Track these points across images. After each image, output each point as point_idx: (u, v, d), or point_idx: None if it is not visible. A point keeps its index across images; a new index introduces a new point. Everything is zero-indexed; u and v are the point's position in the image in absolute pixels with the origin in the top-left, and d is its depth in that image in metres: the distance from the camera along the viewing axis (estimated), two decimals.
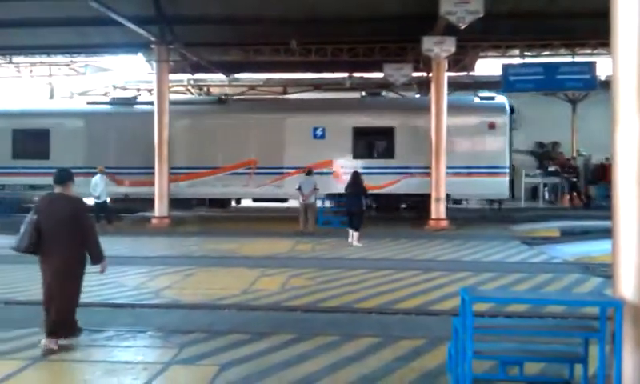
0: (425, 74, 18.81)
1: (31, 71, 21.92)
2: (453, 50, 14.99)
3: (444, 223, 15.79)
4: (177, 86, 22.21)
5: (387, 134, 18.09)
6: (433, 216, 15.82)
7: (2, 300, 7.94)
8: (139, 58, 19.42)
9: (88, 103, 20.87)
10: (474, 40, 16.70)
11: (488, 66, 20.67)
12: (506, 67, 16.73)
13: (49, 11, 16.68)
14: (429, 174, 16.51)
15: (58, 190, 6.06)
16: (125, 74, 23.82)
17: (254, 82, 23.60)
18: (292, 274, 9.68)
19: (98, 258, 6.04)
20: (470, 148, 17.67)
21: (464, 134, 17.65)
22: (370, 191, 16.16)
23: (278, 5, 16.26)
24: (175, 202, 18.00)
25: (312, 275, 9.61)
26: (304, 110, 19.31)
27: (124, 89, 24.31)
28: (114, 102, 20.48)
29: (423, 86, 20.34)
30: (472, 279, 9.20)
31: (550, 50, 18.07)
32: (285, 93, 24.22)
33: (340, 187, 16.10)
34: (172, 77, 18.43)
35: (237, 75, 22.17)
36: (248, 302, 7.90)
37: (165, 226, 16.40)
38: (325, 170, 17.90)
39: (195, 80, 23.15)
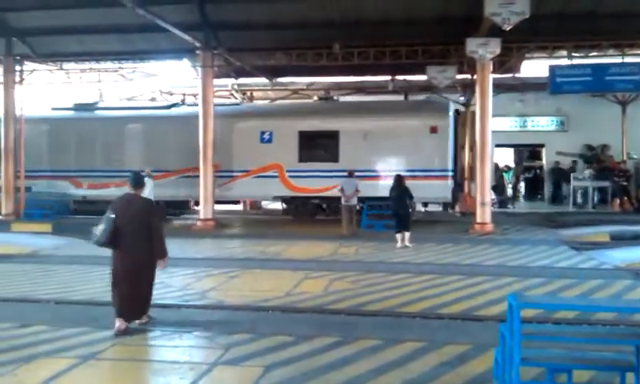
0: (469, 76, 18.58)
1: (81, 77, 22.52)
2: (498, 51, 14.77)
3: (489, 227, 15.53)
4: (221, 90, 22.50)
5: (332, 137, 18.21)
6: (478, 220, 15.59)
7: (54, 299, 8.15)
8: (184, 63, 19.74)
9: (52, 109, 21.65)
10: (520, 41, 16.38)
11: (535, 67, 20.24)
12: (553, 68, 16.39)
13: (97, 19, 17.19)
14: (373, 178, 16.82)
15: (132, 191, 6.86)
16: (170, 80, 24.27)
17: (296, 86, 23.70)
18: (335, 276, 9.68)
19: (161, 254, 6.71)
20: (412, 151, 17.64)
21: (406, 136, 17.74)
22: (316, 194, 17.74)
23: (321, 9, 16.35)
24: None
25: (355, 278, 9.59)
26: (251, 114, 19.79)
27: (170, 94, 24.77)
28: (76, 107, 21.19)
29: (467, 88, 20.08)
30: (518, 285, 9.02)
31: (599, 50, 17.57)
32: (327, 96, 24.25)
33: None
34: (216, 82, 18.68)
35: (280, 79, 22.32)
36: (292, 304, 7.93)
37: (210, 229, 16.62)
38: (271, 173, 18.38)
39: (239, 85, 23.42)
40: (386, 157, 17.70)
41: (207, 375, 5.26)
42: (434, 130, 17.59)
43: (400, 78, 21.69)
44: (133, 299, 6.63)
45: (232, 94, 23.79)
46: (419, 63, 17.60)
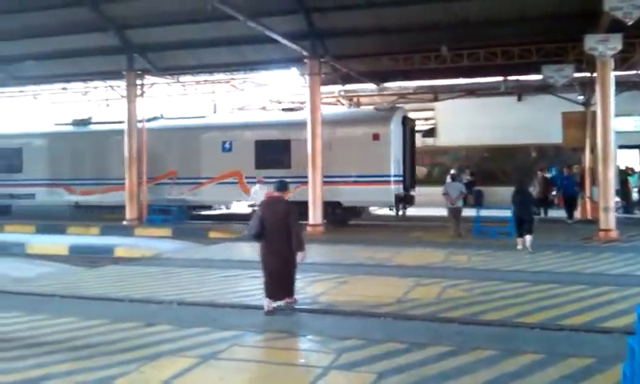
0: (588, 75, 17.58)
1: (196, 89, 23.66)
2: (619, 47, 13.88)
3: (614, 234, 14.57)
4: (328, 97, 22.75)
5: (284, 146, 19.44)
6: (602, 226, 14.66)
7: (175, 300, 8.55)
8: (293, 72, 20.17)
9: (55, 124, 23.80)
10: None
11: None
12: None
13: (210, 33, 17.99)
14: (324, 183, 17.54)
15: (276, 194, 8.12)
16: (280, 89, 24.90)
17: (403, 90, 23.50)
18: (447, 284, 9.45)
19: (300, 247, 7.83)
20: (357, 157, 18.46)
21: (352, 143, 18.68)
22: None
23: (426, 12, 16.15)
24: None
25: (468, 286, 9.31)
26: (215, 127, 21.14)
27: (279, 102, 25.41)
28: (73, 123, 23.32)
29: (587, 86, 19.00)
30: None
31: None
32: (436, 99, 23.87)
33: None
34: (323, 88, 18.93)
35: (386, 84, 22.25)
36: (403, 311, 7.82)
37: (318, 234, 16.83)
38: (231, 180, 19.90)
39: (346, 91, 23.58)
40: (334, 164, 18.32)
41: (322, 379, 5.29)
42: (376, 137, 18.40)
43: (512, 78, 20.93)
44: (278, 283, 7.82)
45: (339, 101, 24.00)
46: (533, 62, 16.91)
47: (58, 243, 15.63)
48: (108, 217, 21.47)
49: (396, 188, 18.42)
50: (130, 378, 5.29)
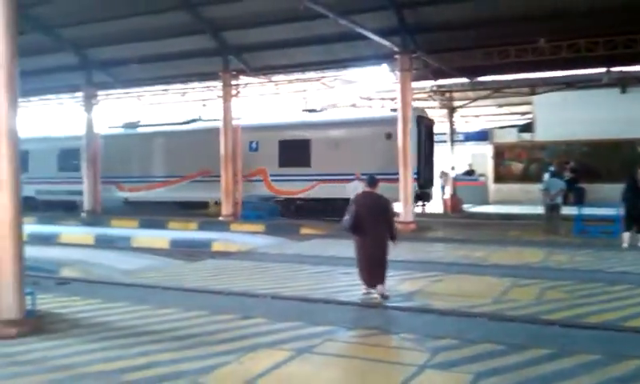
0: None
1: (288, 88, 24.06)
2: None
3: None
4: (419, 93, 22.49)
5: (305, 145, 20.49)
6: None
7: (270, 294, 8.76)
8: (383, 68, 20.08)
9: (108, 127, 25.67)
10: None
11: None
12: None
13: (302, 32, 18.25)
14: (340, 180, 18.74)
15: (368, 189, 8.69)
16: (370, 85, 24.88)
17: (499, 84, 22.82)
18: (547, 285, 9.11)
19: (395, 237, 8.49)
20: (371, 156, 19.16)
21: (367, 143, 19.50)
22: (292, 196, 20.39)
23: (522, 3, 15.59)
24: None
25: (569, 288, 8.93)
26: (244, 128, 21.59)
27: (369, 99, 25.40)
28: (124, 125, 25.49)
29: None
30: None
31: None
32: (533, 93, 23.00)
33: None
34: (414, 84, 18.74)
35: (480, 78, 21.68)
36: (501, 311, 7.61)
37: (409, 231, 16.69)
38: (258, 178, 21.28)
39: (438, 86, 23.21)
40: (350, 162, 19.24)
41: (417, 378, 5.25)
42: (388, 136, 18.97)
43: (616, 69, 19.80)
44: (372, 270, 8.34)
45: (430, 96, 23.66)
46: (639, 52, 15.92)
47: (159, 237, 16.43)
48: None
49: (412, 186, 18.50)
50: (229, 368, 5.49)
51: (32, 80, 21.31)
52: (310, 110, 23.01)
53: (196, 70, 21.55)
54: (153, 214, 22.16)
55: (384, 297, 8.30)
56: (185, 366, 5.52)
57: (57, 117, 30.68)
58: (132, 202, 24.24)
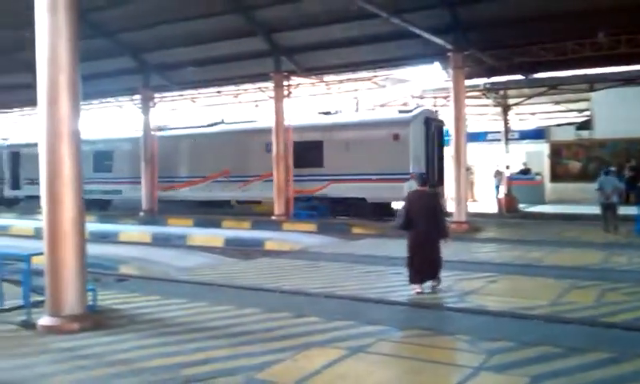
0: None
1: (339, 88, 24.10)
2: None
3: None
4: (472, 91, 22.11)
5: (318, 146, 21.01)
6: None
7: (323, 293, 8.80)
8: (435, 67, 19.86)
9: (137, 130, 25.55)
10: None
11: None
12: None
13: (353, 32, 18.23)
14: (351, 180, 19.56)
15: (419, 187, 9.08)
16: (421, 84, 24.65)
17: (555, 81, 22.18)
18: (607, 287, 8.83)
19: (446, 234, 8.78)
20: (379, 157, 19.45)
21: (375, 144, 19.72)
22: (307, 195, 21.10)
23: None
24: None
25: (630, 290, 8.64)
26: (261, 130, 22.18)
27: (421, 98, 25.16)
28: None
29: None
30: None
31: None
32: (591, 89, 22.29)
33: None
34: (467, 82, 18.46)
35: (536, 75, 21.15)
36: (558, 313, 7.42)
37: (463, 231, 16.45)
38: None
39: (492, 84, 22.76)
40: (359, 163, 19.86)
41: (472, 379, 5.18)
42: (396, 137, 19.47)
43: None
44: (425, 267, 8.55)
45: (484, 94, 23.25)
46: None
47: (214, 236, 16.74)
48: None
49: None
50: (284, 365, 5.55)
51: (92, 83, 22.04)
52: (325, 113, 23.30)
53: (248, 72, 21.80)
54: (179, 211, 22.92)
55: (433, 290, 8.65)
56: (240, 362, 5.61)
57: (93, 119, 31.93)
58: (163, 201, 24.96)
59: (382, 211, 20.06)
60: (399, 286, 9.25)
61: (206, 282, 9.97)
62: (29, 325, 6.86)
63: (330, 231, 17.31)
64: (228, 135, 23.63)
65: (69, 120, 6.99)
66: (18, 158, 29.93)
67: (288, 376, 5.29)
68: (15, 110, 31.20)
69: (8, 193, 30.72)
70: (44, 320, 6.81)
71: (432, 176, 20.02)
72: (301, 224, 18.97)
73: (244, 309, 7.76)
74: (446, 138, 21.05)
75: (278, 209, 20.58)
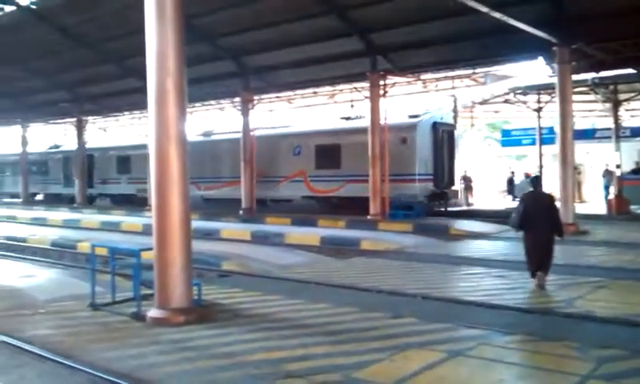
0: None
1: (436, 85, 23.70)
2: None
3: None
4: (579, 86, 21.03)
5: (336, 149, 22.89)
6: None
7: (420, 294, 8.69)
8: (539, 62, 19.07)
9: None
10: None
11: None
12: None
13: (450, 29, 17.87)
14: (364, 181, 20.55)
15: (535, 189, 9.38)
16: (523, 80, 23.78)
17: None
18: None
19: (561, 233, 9.15)
20: (389, 158, 20.45)
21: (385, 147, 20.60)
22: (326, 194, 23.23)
23: None
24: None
25: None
26: (291, 134, 24.94)
27: (524, 94, 24.26)
28: (203, 133, 29.04)
29: None
30: None
31: None
32: None
33: None
34: (574, 77, 17.56)
35: None
36: None
37: (570, 233, 15.58)
38: (299, 178, 23.84)
39: (601, 79, 21.55)
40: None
41: None
42: (404, 140, 21.12)
43: None
44: (538, 260, 8.86)
45: (592, 90, 22.06)
46: None
47: (311, 234, 16.96)
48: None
49: (423, 186, 20.75)
50: (381, 365, 5.53)
51: (195, 87, 22.99)
52: (346, 118, 24.85)
53: (344, 72, 21.93)
54: (216, 209, 23.74)
55: (541, 286, 8.77)
56: (339, 360, 5.65)
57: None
58: (208, 199, 27.47)
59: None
60: (502, 289, 8.99)
61: (304, 279, 10.13)
62: (139, 316, 7.25)
63: (427, 231, 17.07)
64: (263, 139, 25.10)
65: (176, 122, 7.31)
66: (92, 161, 33.27)
67: (386, 376, 5.26)
68: (125, 113, 33.22)
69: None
70: (153, 312, 7.17)
71: (441, 177, 21.75)
72: (397, 224, 18.85)
73: (341, 307, 7.80)
74: (457, 141, 23.20)
75: (374, 208, 20.54)
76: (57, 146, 37.53)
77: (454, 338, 6.36)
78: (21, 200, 36.43)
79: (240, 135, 24.69)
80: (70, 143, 36.08)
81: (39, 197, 38.06)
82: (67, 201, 33.64)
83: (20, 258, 14.62)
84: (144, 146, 31.11)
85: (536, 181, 9.69)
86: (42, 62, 27.16)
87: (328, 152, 23.17)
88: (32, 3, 20.82)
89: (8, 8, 20.60)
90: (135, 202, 29.70)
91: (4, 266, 11.46)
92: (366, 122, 21.66)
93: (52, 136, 39.43)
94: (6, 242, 18.32)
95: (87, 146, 34.57)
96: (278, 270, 11.37)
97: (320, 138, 23.71)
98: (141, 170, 29.93)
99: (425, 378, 5.20)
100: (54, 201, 34.99)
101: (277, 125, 27.40)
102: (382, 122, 20.87)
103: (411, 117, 22.42)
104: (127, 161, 31.89)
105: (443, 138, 21.92)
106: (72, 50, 24.57)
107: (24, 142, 36.58)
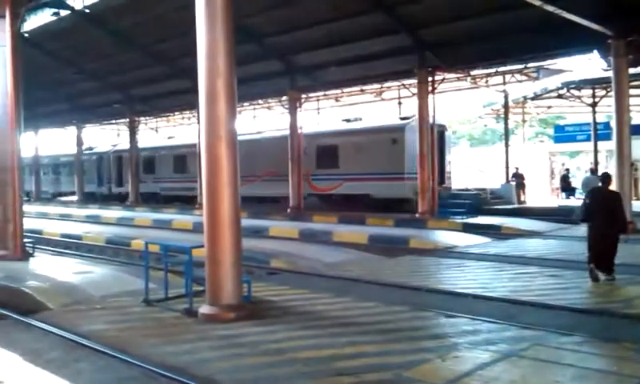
0: None
1: (487, 81, 23.30)
2: None
3: None
4: (636, 80, 20.30)
5: (334, 150, 24.34)
6: None
7: (471, 294, 8.56)
8: (593, 55, 18.50)
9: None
10: None
11: None
12: None
13: (501, 22, 17.51)
14: (359, 179, 22.83)
15: (603, 185, 9.65)
16: (577, 74, 23.12)
17: None
18: None
19: (623, 228, 9.20)
20: (381, 158, 22.49)
21: (377, 147, 22.68)
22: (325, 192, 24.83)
23: None
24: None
25: None
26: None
27: (578, 89, 23.60)
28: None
29: None
30: None
31: None
32: None
33: None
34: (631, 71, 16.94)
35: None
36: None
37: (631, 231, 15.07)
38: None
39: None
40: (364, 163, 23.06)
41: None
42: (394, 141, 22.51)
43: None
44: (602, 256, 9.06)
45: None
46: None
47: (358, 232, 16.90)
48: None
49: (411, 183, 21.35)
50: (432, 365, 5.46)
51: (243, 87, 23.22)
52: (347, 120, 26.23)
53: (391, 69, 21.76)
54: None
55: (595, 278, 9.04)
56: (389, 359, 5.61)
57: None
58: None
59: (385, 206, 22.38)
60: (555, 288, 8.76)
61: (352, 277, 10.11)
62: (191, 313, 7.38)
63: (477, 230, 16.77)
64: (274, 141, 26.44)
65: (226, 122, 7.39)
66: (122, 161, 35.68)
67: (437, 376, 5.19)
68: (176, 114, 33.96)
69: (115, 189, 36.58)
70: (204, 309, 7.29)
71: (431, 175, 22.71)
72: (446, 222, 18.61)
73: (390, 306, 7.75)
74: (451, 142, 25.06)
75: (422, 206, 20.33)
76: (90, 148, 39.65)
77: (507, 339, 6.23)
78: (76, 198, 37.61)
79: (255, 136, 26.55)
80: (102, 145, 38.71)
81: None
82: (115, 199, 35.33)
83: (76, 254, 15.08)
84: (166, 148, 33.30)
85: (606, 178, 9.87)
86: (96, 65, 27.99)
87: (328, 152, 24.69)
88: (86, 7, 21.42)
89: (64, 12, 21.23)
90: (159, 200, 32.08)
91: (61, 263, 11.84)
92: (361, 124, 23.95)
93: (88, 138, 41.34)
94: (62, 239, 18.91)
95: (118, 148, 36.76)
96: (326, 267, 11.37)
97: (321, 139, 25.15)
98: (163, 171, 32.65)
99: (477, 379, 5.11)
100: (89, 199, 37.14)
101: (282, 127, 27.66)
102: (430, 119, 20.63)
103: (402, 119, 23.93)
104: (152, 162, 34.04)
105: (434, 138, 22.85)
106: (124, 53, 25.24)
107: (79, 143, 37.71)
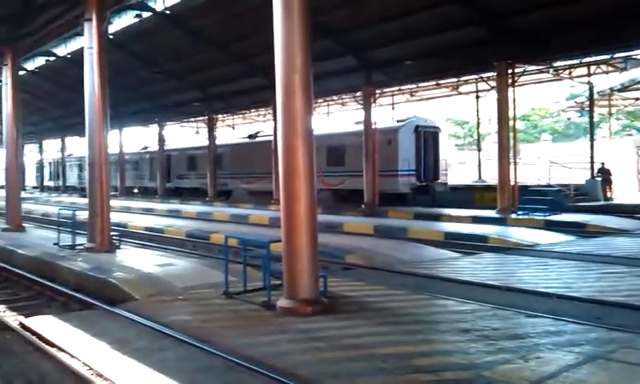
0: None
1: (570, 73, 22.38)
2: None
3: None
4: None
5: (342, 149, 26.98)
6: None
7: (554, 293, 8.26)
8: None
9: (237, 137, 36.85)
10: None
11: None
12: None
13: (584, 11, 16.77)
14: (361, 176, 24.28)
15: None
16: None
17: None
18: None
19: None
20: (377, 157, 24.06)
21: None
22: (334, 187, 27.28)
23: None
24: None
25: None
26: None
27: None
28: (248, 136, 35.08)
29: None
30: None
31: None
32: None
33: None
34: None
35: None
36: None
37: None
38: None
39: None
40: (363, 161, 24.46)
41: None
42: (389, 142, 24.92)
43: None
44: None
45: None
46: None
47: (434, 229, 16.65)
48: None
49: (406, 180, 24.39)
50: (514, 366, 5.30)
51: (319, 83, 23.34)
52: (357, 122, 26.95)
53: (468, 61, 21.23)
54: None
55: None
56: (468, 358, 5.50)
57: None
58: (249, 192, 32.58)
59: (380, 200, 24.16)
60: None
61: (429, 274, 9.98)
62: (269, 306, 7.50)
63: (560, 227, 16.15)
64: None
65: (303, 117, 7.45)
66: (170, 159, 39.47)
67: (519, 377, 5.03)
68: (252, 111, 34.61)
69: (186, 185, 39.37)
70: (282, 302, 7.39)
71: (423, 172, 25.23)
72: (527, 219, 18.03)
73: (468, 304, 7.60)
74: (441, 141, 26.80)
75: (502, 203, 19.78)
76: (145, 147, 43.22)
77: (593, 340, 5.97)
78: (158, 195, 39.07)
79: (271, 138, 27.42)
80: (153, 145, 41.21)
81: (135, 190, 43.82)
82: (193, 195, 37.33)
83: (159, 247, 15.66)
84: (204, 148, 36.14)
85: None
86: (176, 64, 28.91)
87: (336, 151, 27.15)
88: (166, 9, 22.15)
89: (146, 14, 22.04)
90: (199, 195, 34.83)
91: (145, 255, 12.32)
92: (361, 127, 24.77)
93: (143, 137, 45.49)
94: (146, 232, 19.68)
95: (166, 147, 39.36)
96: (401, 264, 11.27)
97: (330, 140, 27.26)
98: (203, 167, 35.61)
99: (562, 381, 4.91)
100: (146, 193, 41.35)
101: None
102: (510, 113, 20.01)
103: (398, 121, 26.45)
104: (194, 160, 37.62)
105: (427, 139, 25.49)
106: (203, 52, 25.93)
107: (161, 140, 39.11)
